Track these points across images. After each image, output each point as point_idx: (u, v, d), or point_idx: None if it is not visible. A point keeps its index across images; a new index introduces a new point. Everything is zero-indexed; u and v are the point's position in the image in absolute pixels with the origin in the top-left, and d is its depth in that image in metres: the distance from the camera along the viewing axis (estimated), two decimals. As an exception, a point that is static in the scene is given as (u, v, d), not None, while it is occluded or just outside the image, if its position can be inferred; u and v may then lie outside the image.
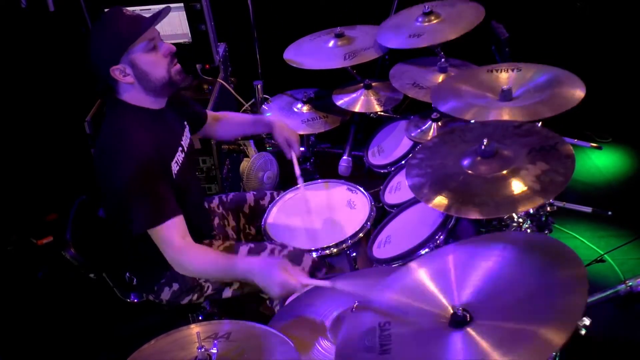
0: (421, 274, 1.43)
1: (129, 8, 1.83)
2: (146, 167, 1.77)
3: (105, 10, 1.82)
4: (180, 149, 1.97)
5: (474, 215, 1.58)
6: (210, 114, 2.32)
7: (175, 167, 1.90)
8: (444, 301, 1.31)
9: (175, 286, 2.03)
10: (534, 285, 1.24)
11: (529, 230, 1.86)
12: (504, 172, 1.63)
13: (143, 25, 1.79)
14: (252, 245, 2.07)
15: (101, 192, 1.94)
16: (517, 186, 1.58)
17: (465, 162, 1.71)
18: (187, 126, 2.10)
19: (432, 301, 1.33)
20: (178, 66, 1.89)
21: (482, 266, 1.34)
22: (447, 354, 1.19)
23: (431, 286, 1.37)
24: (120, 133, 1.82)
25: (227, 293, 2.06)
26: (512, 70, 2.16)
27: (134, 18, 1.80)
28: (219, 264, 1.82)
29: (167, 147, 1.91)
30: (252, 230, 2.36)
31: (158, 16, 1.82)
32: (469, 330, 1.20)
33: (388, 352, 1.25)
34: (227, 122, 2.36)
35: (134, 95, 1.86)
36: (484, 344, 1.16)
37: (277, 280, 1.68)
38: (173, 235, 1.80)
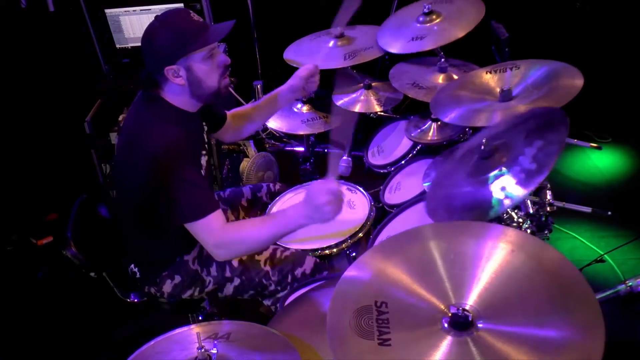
0: (439, 248, 1.35)
1: (193, 12, 1.84)
2: (187, 161, 1.81)
3: (171, 9, 1.86)
4: (204, 152, 2.01)
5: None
6: (229, 114, 2.31)
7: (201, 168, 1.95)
8: (450, 293, 1.26)
9: (178, 278, 2.04)
10: (544, 310, 1.17)
11: (528, 231, 1.85)
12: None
13: (211, 36, 1.81)
14: None
15: (118, 183, 1.93)
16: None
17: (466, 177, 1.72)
18: (205, 127, 2.11)
19: (435, 288, 1.27)
20: (227, 80, 1.92)
21: (498, 269, 1.28)
22: (437, 355, 1.16)
23: (442, 270, 1.31)
24: (158, 127, 1.83)
25: (229, 289, 2.07)
26: (510, 69, 2.14)
27: (202, 25, 1.82)
28: (266, 223, 1.84)
29: (196, 148, 1.96)
30: None
31: (227, 30, 1.84)
32: (462, 338, 1.17)
33: (387, 344, 1.21)
34: (249, 117, 2.35)
35: (178, 97, 1.88)
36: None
37: (323, 202, 1.71)
38: (215, 227, 1.81)
